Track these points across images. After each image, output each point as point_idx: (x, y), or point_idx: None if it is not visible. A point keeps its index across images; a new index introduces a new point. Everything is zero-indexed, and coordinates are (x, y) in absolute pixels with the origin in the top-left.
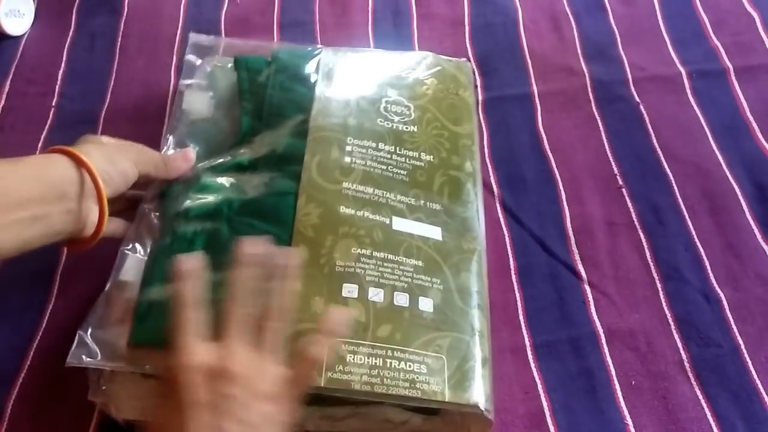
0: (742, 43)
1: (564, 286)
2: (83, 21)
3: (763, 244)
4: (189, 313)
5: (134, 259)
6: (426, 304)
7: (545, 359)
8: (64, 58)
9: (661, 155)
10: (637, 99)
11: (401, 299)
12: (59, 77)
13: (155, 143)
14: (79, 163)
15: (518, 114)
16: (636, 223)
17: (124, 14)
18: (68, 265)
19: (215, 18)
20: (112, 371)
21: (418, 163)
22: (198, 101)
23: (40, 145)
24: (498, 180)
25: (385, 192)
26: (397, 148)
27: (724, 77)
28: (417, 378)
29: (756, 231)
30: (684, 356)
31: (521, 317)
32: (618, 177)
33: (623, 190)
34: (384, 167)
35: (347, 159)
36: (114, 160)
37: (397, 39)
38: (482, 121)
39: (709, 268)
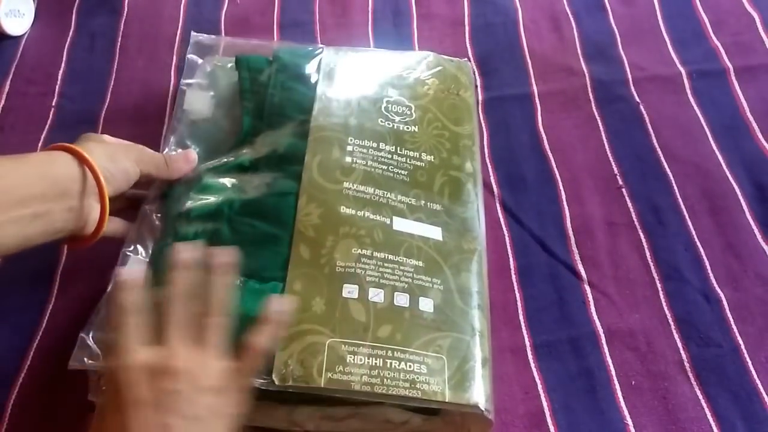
0: (742, 43)
1: (564, 286)
2: (83, 21)
3: (763, 244)
4: (129, 318)
5: (136, 261)
6: (426, 305)
7: (545, 359)
8: (64, 58)
9: (661, 155)
10: (637, 99)
11: (401, 299)
12: (59, 77)
13: (155, 143)
14: (82, 161)
15: (518, 114)
16: (636, 223)
17: (124, 14)
18: (68, 264)
19: (215, 18)
20: None
21: (418, 163)
22: (199, 101)
23: (40, 145)
24: (498, 180)
25: (385, 192)
26: (398, 148)
27: (724, 77)
28: (417, 378)
29: (756, 231)
30: (684, 356)
31: (521, 317)
32: (618, 177)
33: (623, 190)
34: (385, 167)
35: (348, 159)
36: (116, 158)
37: (397, 39)
38: (482, 121)
39: (709, 268)
